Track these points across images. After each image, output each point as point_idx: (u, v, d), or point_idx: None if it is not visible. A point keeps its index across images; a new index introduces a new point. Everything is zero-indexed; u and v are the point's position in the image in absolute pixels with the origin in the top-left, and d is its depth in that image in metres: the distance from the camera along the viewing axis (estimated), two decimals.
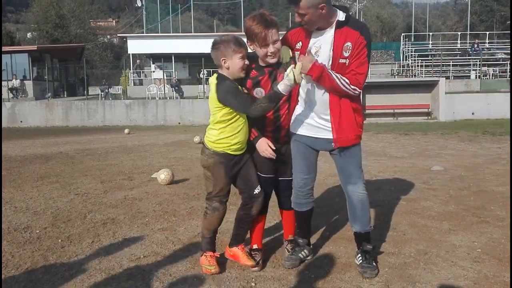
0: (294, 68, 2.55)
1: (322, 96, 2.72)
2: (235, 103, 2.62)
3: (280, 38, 2.81)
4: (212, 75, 2.79)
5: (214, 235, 2.97)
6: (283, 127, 2.89)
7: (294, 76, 2.51)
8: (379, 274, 2.81)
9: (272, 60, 2.71)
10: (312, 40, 2.70)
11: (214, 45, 2.70)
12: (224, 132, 2.71)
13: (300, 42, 2.74)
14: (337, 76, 2.60)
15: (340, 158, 2.82)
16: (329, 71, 2.61)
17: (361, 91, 2.68)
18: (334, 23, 2.62)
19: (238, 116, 2.70)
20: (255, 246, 3.03)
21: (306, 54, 2.67)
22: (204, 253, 2.91)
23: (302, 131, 2.85)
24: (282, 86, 2.54)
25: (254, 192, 2.84)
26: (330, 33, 2.64)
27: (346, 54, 2.59)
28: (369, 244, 2.88)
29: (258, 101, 2.60)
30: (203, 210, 3.02)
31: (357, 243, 2.97)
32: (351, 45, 2.58)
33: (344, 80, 2.60)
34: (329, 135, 2.77)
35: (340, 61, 2.61)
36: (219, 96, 2.64)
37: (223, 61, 2.66)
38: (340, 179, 2.94)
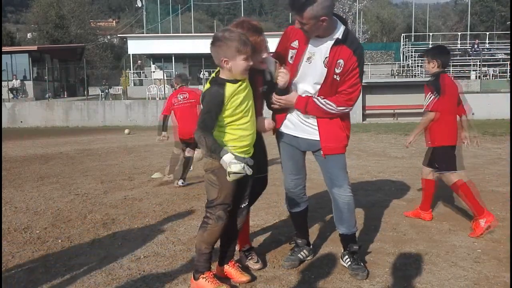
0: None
1: None
2: (201, 116, 2.42)
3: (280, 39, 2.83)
4: (212, 74, 2.58)
5: (212, 249, 2.60)
6: None
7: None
8: (379, 274, 2.81)
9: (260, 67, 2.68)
10: (309, 46, 2.70)
11: (215, 42, 2.40)
12: (230, 133, 2.47)
13: (297, 41, 2.74)
14: (322, 103, 2.70)
15: (324, 160, 2.83)
16: (314, 98, 2.70)
17: (352, 107, 2.75)
18: (333, 38, 2.63)
19: (245, 112, 2.47)
20: (247, 247, 3.00)
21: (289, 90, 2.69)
22: (202, 275, 2.55)
23: (286, 130, 2.87)
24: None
25: (242, 205, 2.69)
26: (326, 46, 2.64)
27: (338, 71, 2.65)
28: (355, 244, 2.89)
29: (210, 138, 2.38)
30: (202, 210, 3.00)
31: (343, 245, 2.98)
32: (342, 62, 2.63)
33: (330, 105, 2.70)
34: (314, 137, 2.79)
35: (334, 77, 2.67)
36: (201, 100, 2.46)
37: (225, 62, 2.38)
38: (325, 182, 2.94)
